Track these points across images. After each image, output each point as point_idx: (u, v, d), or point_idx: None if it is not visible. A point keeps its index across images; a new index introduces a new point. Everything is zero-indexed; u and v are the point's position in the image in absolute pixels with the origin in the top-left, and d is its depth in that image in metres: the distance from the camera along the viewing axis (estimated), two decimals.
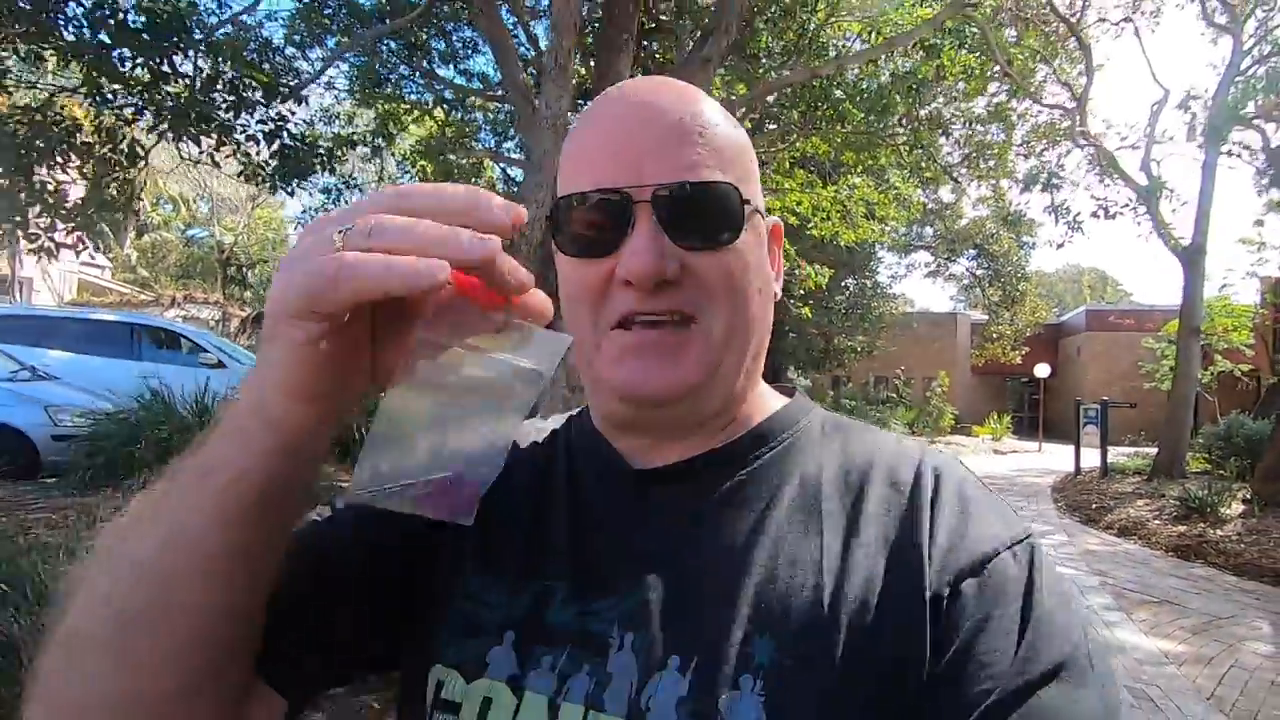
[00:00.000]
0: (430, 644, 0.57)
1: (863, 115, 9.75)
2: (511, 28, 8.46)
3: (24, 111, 4.51)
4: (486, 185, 14.47)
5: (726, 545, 0.54)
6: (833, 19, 9.91)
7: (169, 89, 4.51)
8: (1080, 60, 13.95)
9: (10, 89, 4.76)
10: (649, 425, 0.58)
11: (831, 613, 0.49)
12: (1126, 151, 14.11)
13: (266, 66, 5.78)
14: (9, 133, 4.17)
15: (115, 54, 4.47)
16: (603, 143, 0.54)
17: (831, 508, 0.54)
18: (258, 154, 5.16)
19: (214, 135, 4.81)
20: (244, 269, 22.01)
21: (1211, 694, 4.15)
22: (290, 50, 8.94)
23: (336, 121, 12.88)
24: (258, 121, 5.18)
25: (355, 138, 9.74)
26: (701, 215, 0.53)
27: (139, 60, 4.52)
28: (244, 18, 7.01)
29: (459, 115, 12.40)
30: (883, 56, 9.69)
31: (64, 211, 4.69)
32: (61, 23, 4.62)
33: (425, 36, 9.04)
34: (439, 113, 11.93)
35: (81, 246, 5.01)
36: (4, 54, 4.82)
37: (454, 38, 10.57)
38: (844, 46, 10.79)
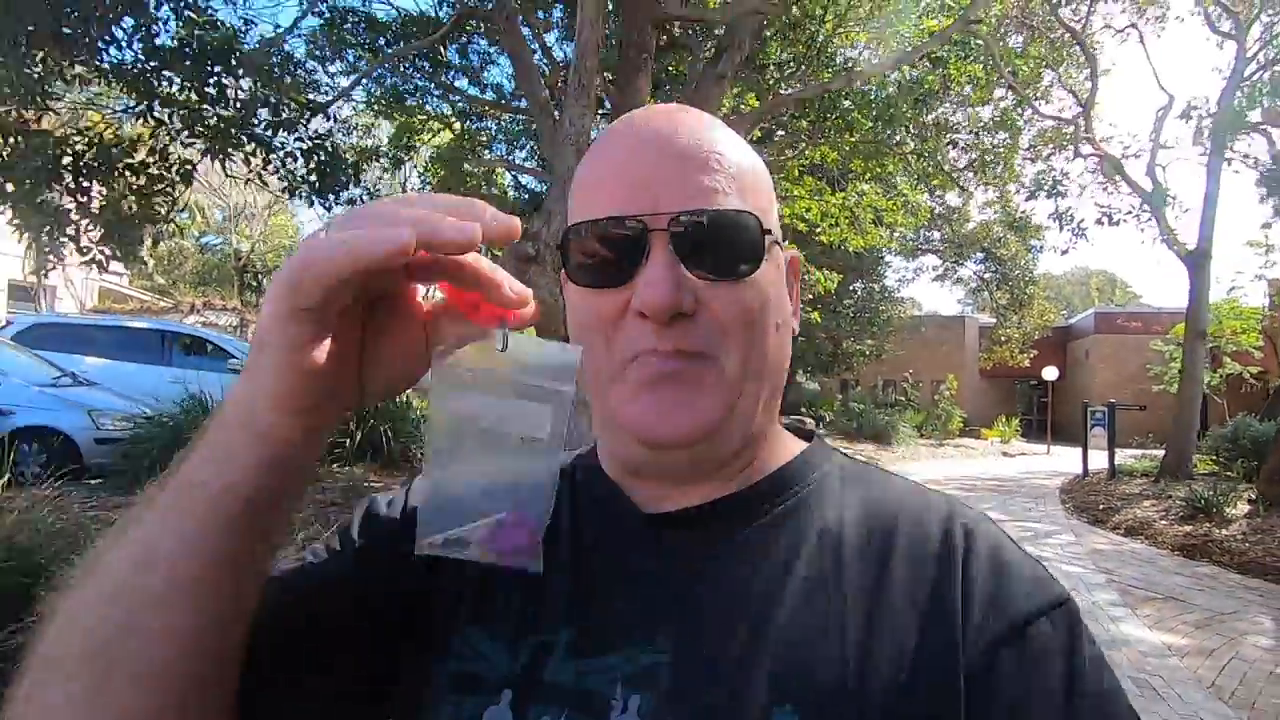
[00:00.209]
0: (425, 695, 0.54)
1: (871, 124, 9.98)
2: (529, 40, 8.75)
3: (81, 134, 4.81)
4: (499, 192, 14.78)
5: (742, 602, 0.51)
6: (840, 30, 10.16)
7: (220, 111, 4.80)
8: (1086, 65, 14.14)
9: (57, 109, 5.04)
10: (663, 468, 0.55)
11: (860, 684, 0.46)
12: (1131, 158, 14.27)
13: (288, 80, 6.09)
14: (69, 152, 4.47)
15: (164, 76, 4.77)
16: (617, 170, 0.53)
17: (854, 565, 0.52)
18: (296, 170, 5.46)
19: (258, 155, 5.10)
20: (259, 276, 22.42)
21: (1212, 684, 4.32)
22: (311, 64, 9.27)
23: (355, 133, 13.25)
24: (295, 139, 5.47)
25: (382, 150, 10.04)
26: (720, 245, 0.51)
27: (187, 83, 4.82)
28: (268, 33, 7.33)
29: (474, 126, 12.74)
30: (888, 59, 9.92)
31: (116, 225, 4.98)
32: (103, 45, 4.92)
33: (446, 52, 9.33)
34: (455, 124, 12.28)
35: (132, 259, 5.31)
36: (50, 74, 5.11)
37: (471, 52, 10.90)
38: (852, 58, 11.04)
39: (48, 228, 4.56)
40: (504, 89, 12.23)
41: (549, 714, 0.49)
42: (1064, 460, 17.52)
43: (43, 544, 3.38)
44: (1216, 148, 12.65)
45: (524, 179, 14.57)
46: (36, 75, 4.70)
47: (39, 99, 4.76)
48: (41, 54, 4.78)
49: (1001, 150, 13.80)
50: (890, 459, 16.97)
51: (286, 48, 8.15)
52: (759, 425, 0.56)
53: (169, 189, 4.99)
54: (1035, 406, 29.08)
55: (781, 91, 9.48)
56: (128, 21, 4.68)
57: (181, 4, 4.96)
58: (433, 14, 10.49)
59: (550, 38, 10.93)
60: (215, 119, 4.83)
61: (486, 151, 13.39)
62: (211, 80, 4.76)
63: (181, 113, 4.88)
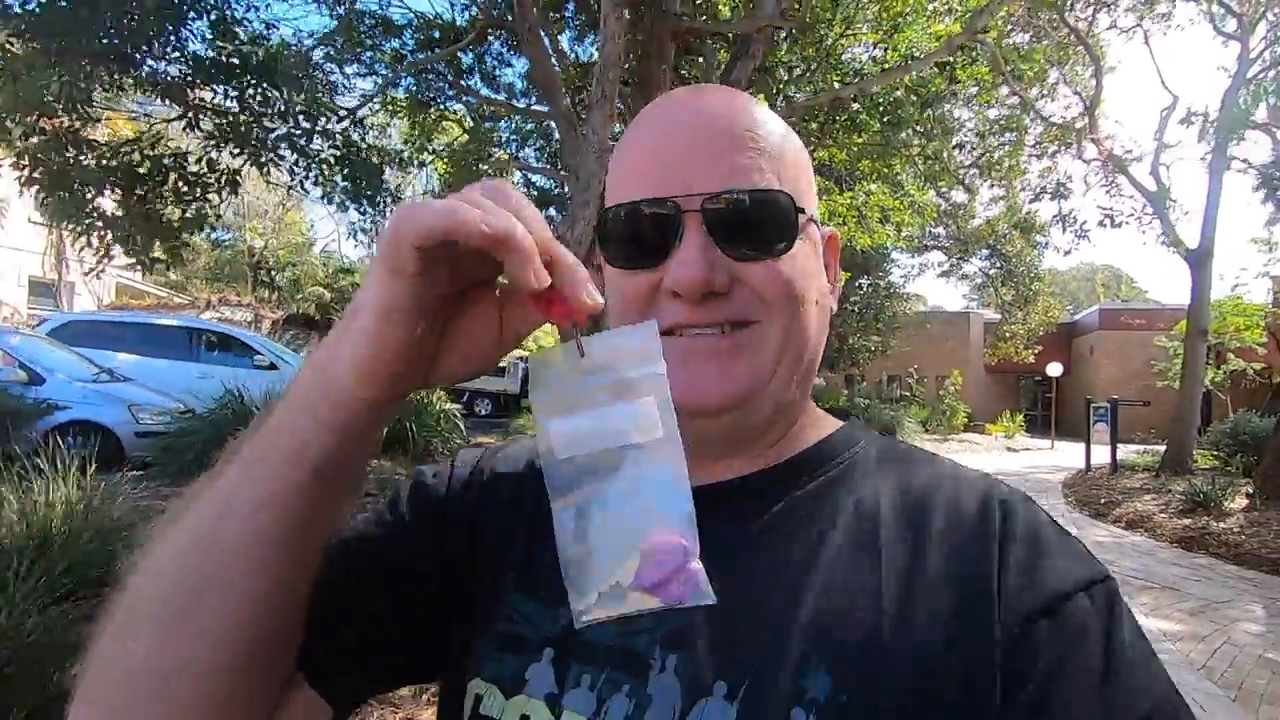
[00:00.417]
0: (470, 657, 0.56)
1: (879, 127, 10.18)
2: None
3: (131, 143, 5.08)
4: None
5: (778, 570, 0.51)
6: (849, 32, 10.35)
7: (266, 124, 5.07)
8: (1091, 63, 14.28)
9: (108, 119, 5.32)
10: (698, 438, 0.54)
11: (893, 649, 0.47)
12: (1134, 162, 14.45)
13: (320, 90, 6.35)
14: (125, 161, 4.75)
15: (209, 87, 5.04)
16: (650, 152, 0.54)
17: (890, 538, 0.51)
18: (333, 176, 5.73)
19: (301, 165, 5.38)
20: (272, 272, 22.73)
21: (1202, 666, 4.57)
22: (329, 66, 9.54)
23: (371, 132, 13.51)
24: (330, 146, 5.73)
25: (405, 155, 10.31)
26: (753, 224, 0.51)
27: (230, 95, 5.09)
28: (285, 34, 7.58)
29: (487, 125, 12.99)
30: (897, 67, 10.11)
31: (161, 229, 5.26)
32: (143, 58, 5.18)
33: (463, 58, 9.58)
34: (468, 122, 12.55)
35: (179, 261, 5.60)
36: (92, 87, 5.37)
37: (487, 56, 11.15)
38: (859, 57, 11.23)
39: (98, 233, 4.83)
40: (515, 88, 12.51)
41: (589, 672, 0.51)
42: (1068, 455, 17.74)
43: (117, 527, 3.66)
44: (1219, 148, 12.81)
45: (533, 177, 14.84)
46: (79, 87, 4.96)
47: (80, 107, 5.02)
48: (85, 67, 5.05)
49: (1008, 149, 14.00)
50: None
51: (312, 55, 8.42)
52: (792, 399, 0.57)
53: (216, 195, 5.27)
54: (1040, 402, 29.22)
55: (791, 95, 9.71)
56: (171, 36, 4.94)
57: (221, 19, 5.21)
58: (448, 17, 10.77)
59: (563, 38, 11.18)
60: (259, 130, 5.10)
61: (498, 150, 13.65)
62: (256, 94, 5.02)
63: (224, 124, 5.15)
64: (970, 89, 10.78)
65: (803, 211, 0.54)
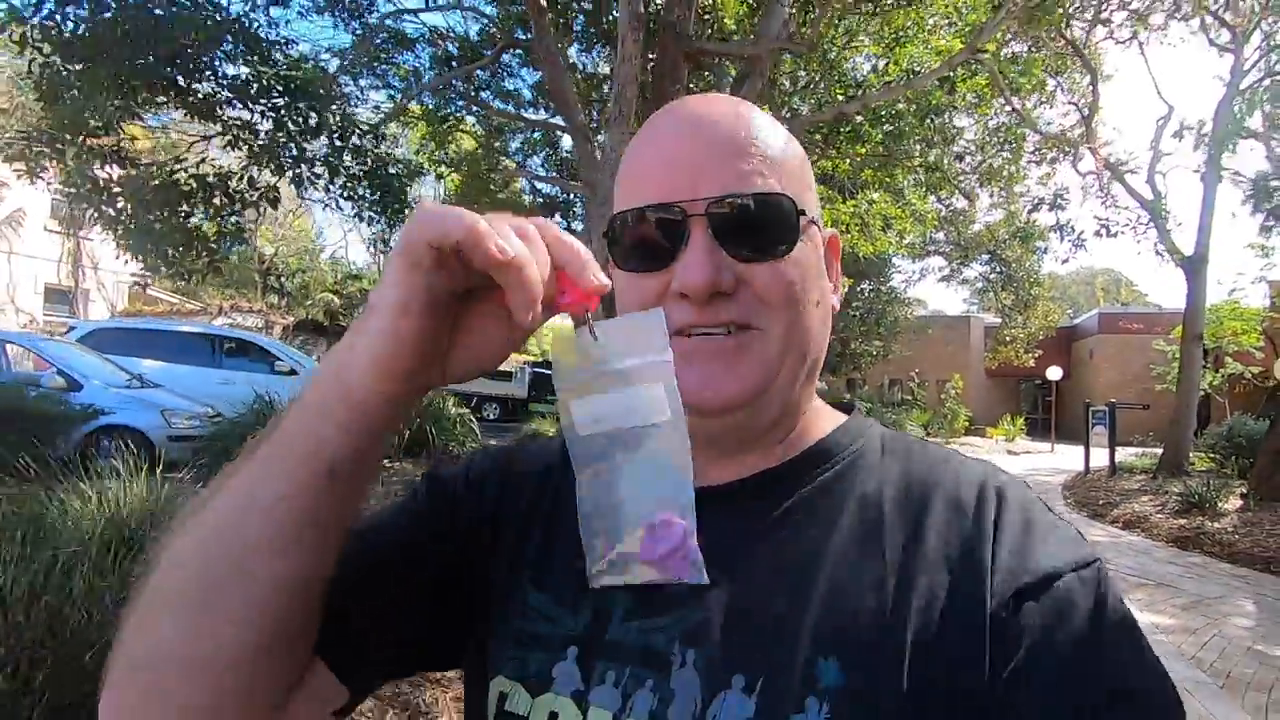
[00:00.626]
0: (490, 655, 0.58)
1: (881, 139, 10.46)
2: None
3: (177, 161, 5.37)
4: (512, 195, 15.36)
5: (787, 564, 0.53)
6: (851, 44, 10.64)
7: (304, 143, 5.35)
8: (1088, 72, 14.56)
9: (150, 138, 5.60)
10: (706, 436, 0.56)
11: (895, 634, 0.49)
12: (1130, 173, 14.76)
13: (338, 101, 6.65)
14: (169, 178, 5.03)
15: (248, 108, 5.33)
16: (657, 158, 0.56)
17: (893, 528, 0.54)
18: (363, 192, 6.00)
19: (336, 182, 5.66)
20: (281, 278, 23.01)
21: (1192, 656, 4.79)
22: (344, 78, 9.83)
23: (384, 143, 13.83)
24: (359, 163, 6.01)
25: (420, 165, 10.63)
26: (756, 227, 0.54)
27: (267, 116, 5.37)
28: (303, 50, 7.88)
29: (500, 133, 13.31)
30: (900, 83, 10.40)
31: (197, 242, 5.53)
32: (186, 81, 5.46)
33: (481, 75, 9.90)
34: (479, 132, 12.89)
35: (215, 274, 5.87)
36: (138, 106, 5.66)
37: (498, 70, 11.46)
38: (860, 67, 11.53)
39: (148, 245, 5.10)
40: (524, 98, 12.83)
41: (613, 669, 0.53)
42: (1067, 458, 17.97)
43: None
44: (1213, 158, 13.08)
45: (540, 184, 15.18)
46: (114, 107, 5.23)
47: (114, 127, 5.29)
48: (123, 87, 5.32)
49: (1007, 156, 14.25)
50: None
51: (330, 69, 8.72)
52: (798, 397, 0.59)
53: (254, 210, 5.54)
54: (1040, 405, 29.47)
55: (795, 106, 9.99)
56: (217, 61, 5.22)
57: (258, 42, 5.50)
58: (460, 30, 11.10)
59: (570, 50, 11.47)
60: (295, 148, 5.39)
61: (506, 159, 13.96)
62: (291, 114, 5.31)
63: (262, 143, 5.43)
64: (970, 99, 11.06)
65: (804, 214, 0.56)
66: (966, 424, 24.41)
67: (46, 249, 18.97)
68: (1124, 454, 14.26)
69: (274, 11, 6.84)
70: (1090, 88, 14.42)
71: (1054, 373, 23.27)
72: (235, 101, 5.35)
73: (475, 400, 18.57)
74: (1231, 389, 16.95)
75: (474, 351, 0.48)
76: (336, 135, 5.59)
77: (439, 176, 12.26)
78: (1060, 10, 8.57)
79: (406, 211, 6.67)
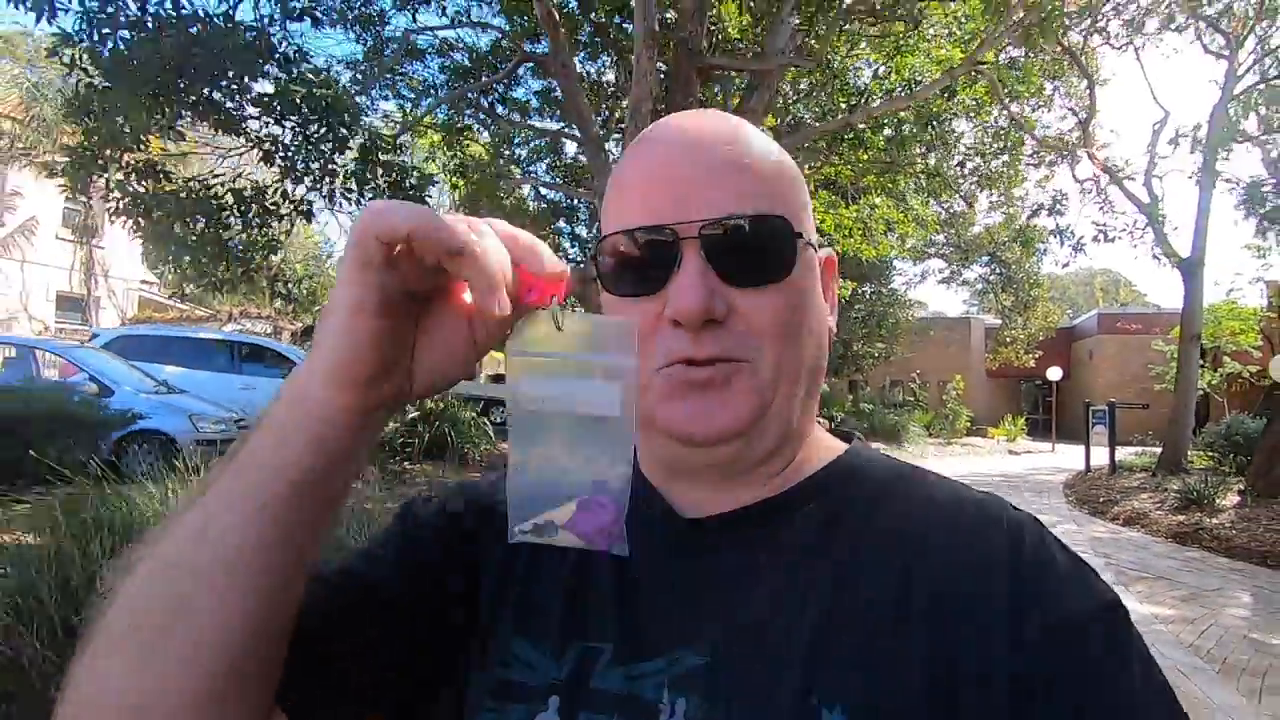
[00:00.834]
0: (468, 705, 0.55)
1: (883, 144, 10.70)
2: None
3: (215, 176, 5.60)
4: (515, 201, 15.58)
5: (784, 603, 0.51)
6: (853, 53, 10.89)
7: (335, 159, 5.58)
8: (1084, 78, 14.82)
9: (185, 153, 5.83)
10: (701, 468, 0.56)
11: (906, 681, 0.46)
12: (1127, 179, 15.02)
13: (364, 117, 6.88)
14: (208, 194, 5.26)
15: (279, 124, 5.56)
16: (648, 178, 0.54)
17: (895, 565, 0.51)
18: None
19: (365, 196, 5.88)
20: (289, 284, 23.20)
21: (1190, 644, 4.99)
22: (354, 88, 10.06)
23: (403, 154, 14.09)
24: (385, 176, 6.24)
25: (430, 173, 10.87)
26: (751, 251, 0.52)
27: (296, 131, 5.61)
28: (317, 64, 8.12)
29: (508, 145, 13.56)
30: (901, 92, 10.66)
31: (229, 253, 5.77)
32: (220, 98, 5.70)
33: (496, 87, 10.16)
34: (484, 139, 13.15)
35: (249, 284, 6.09)
36: (171, 122, 5.89)
37: (513, 84, 11.73)
38: (862, 73, 11.77)
39: (185, 257, 5.33)
40: (530, 105, 13.06)
41: None
42: (1068, 457, 18.15)
43: None
44: (1209, 161, 13.32)
45: (544, 190, 15.41)
46: (154, 124, 5.46)
47: (140, 144, 5.51)
48: (162, 105, 5.54)
49: (1005, 160, 14.50)
50: (899, 458, 17.59)
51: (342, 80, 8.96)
52: (796, 426, 0.57)
53: (288, 221, 5.78)
54: (1041, 406, 29.68)
55: (799, 114, 10.24)
56: (249, 79, 5.45)
57: (288, 61, 5.73)
58: (470, 40, 11.35)
59: (576, 59, 11.73)
60: (326, 163, 5.62)
61: (513, 166, 14.20)
62: (320, 129, 5.54)
63: (292, 159, 5.67)
64: (969, 105, 11.31)
65: (800, 236, 0.54)
66: (968, 424, 24.60)
67: (58, 257, 19.21)
68: (1124, 453, 14.47)
69: (291, 26, 7.13)
70: (1088, 91, 14.67)
71: (1054, 373, 23.49)
72: (265, 118, 5.58)
73: (484, 405, 18.79)
74: (1229, 388, 17.17)
75: (439, 357, 0.46)
76: (366, 150, 5.82)
77: (453, 186, 12.48)
78: (1059, 25, 8.83)
79: None
